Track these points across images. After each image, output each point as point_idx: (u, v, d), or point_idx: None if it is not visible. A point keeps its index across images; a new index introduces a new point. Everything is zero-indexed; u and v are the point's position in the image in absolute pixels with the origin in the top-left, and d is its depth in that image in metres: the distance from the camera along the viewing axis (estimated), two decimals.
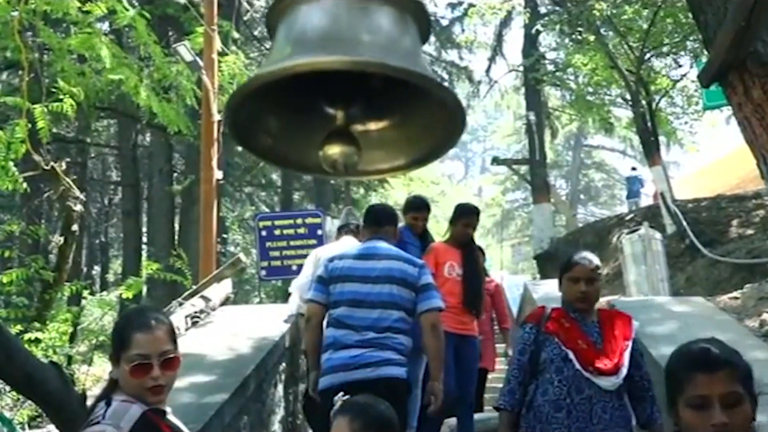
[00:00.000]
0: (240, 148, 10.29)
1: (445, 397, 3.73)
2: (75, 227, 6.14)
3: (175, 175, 16.04)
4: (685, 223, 10.26)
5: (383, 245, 3.52)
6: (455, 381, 4.35)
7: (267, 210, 20.11)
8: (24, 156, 5.53)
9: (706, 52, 4.37)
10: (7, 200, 15.76)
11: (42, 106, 5.73)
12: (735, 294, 5.39)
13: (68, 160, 8.62)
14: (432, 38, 19.88)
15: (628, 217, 13.59)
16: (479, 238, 5.66)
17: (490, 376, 5.86)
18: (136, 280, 6.37)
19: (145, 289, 11.17)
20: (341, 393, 2.01)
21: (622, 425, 2.72)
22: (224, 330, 5.20)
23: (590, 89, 15.24)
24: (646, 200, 17.71)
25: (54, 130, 8.95)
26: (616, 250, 9.89)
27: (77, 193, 6.07)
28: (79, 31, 6.42)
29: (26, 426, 4.72)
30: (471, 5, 17.87)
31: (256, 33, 16.78)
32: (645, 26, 12.32)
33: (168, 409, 1.90)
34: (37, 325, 5.59)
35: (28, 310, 5.99)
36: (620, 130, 19.40)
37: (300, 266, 5.20)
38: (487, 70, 21.36)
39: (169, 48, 8.62)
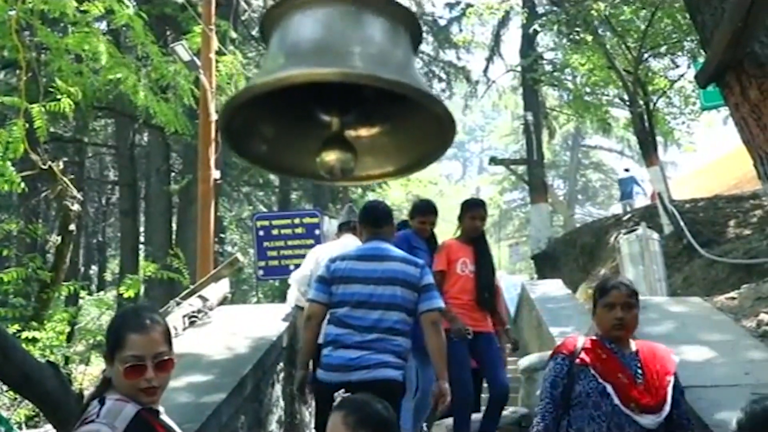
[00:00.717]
0: None
1: (465, 395, 3.74)
2: (72, 226, 6.14)
3: (173, 174, 16.00)
4: (682, 224, 10.25)
5: (384, 246, 3.55)
6: (478, 378, 4.36)
7: (264, 210, 20.10)
8: (22, 155, 5.53)
9: (703, 53, 4.36)
10: (4, 199, 15.73)
11: (39, 105, 5.73)
12: (732, 294, 5.38)
13: (66, 159, 8.58)
14: (430, 38, 19.93)
15: (625, 218, 13.57)
16: None
17: None
18: (135, 279, 6.38)
19: (142, 289, 11.17)
20: (342, 390, 2.02)
21: None
22: (222, 330, 5.20)
23: (588, 89, 15.22)
24: (642, 200, 17.68)
25: (51, 129, 8.97)
26: (614, 250, 9.90)
27: (74, 192, 6.08)
28: (77, 31, 6.42)
29: (23, 425, 4.73)
30: (469, 5, 17.85)
31: (253, 33, 16.72)
32: (642, 26, 12.32)
33: (161, 409, 1.89)
34: (34, 324, 5.60)
35: (26, 309, 5.99)
36: (618, 130, 19.39)
37: (297, 266, 5.22)
38: (485, 70, 21.37)
39: (166, 48, 8.60)
